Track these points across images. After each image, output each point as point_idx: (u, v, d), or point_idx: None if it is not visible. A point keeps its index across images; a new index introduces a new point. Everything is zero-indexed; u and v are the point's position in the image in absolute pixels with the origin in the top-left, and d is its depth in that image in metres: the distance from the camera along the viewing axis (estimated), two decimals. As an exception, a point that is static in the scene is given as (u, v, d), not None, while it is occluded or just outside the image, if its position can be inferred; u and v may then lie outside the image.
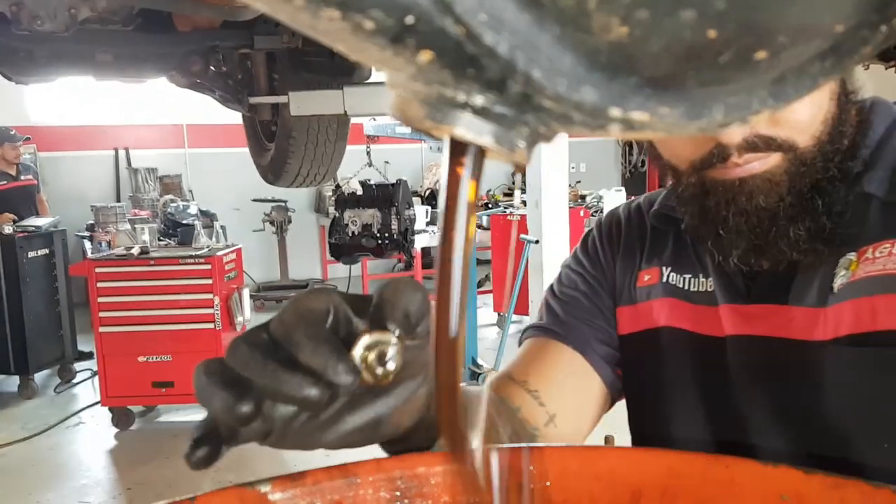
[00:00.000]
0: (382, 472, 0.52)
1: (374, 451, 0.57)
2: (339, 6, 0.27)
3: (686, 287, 0.91)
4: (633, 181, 9.39)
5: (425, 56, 0.29)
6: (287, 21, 0.30)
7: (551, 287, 1.05)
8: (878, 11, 0.31)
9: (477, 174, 0.35)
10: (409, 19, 0.27)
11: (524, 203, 6.56)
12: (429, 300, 0.48)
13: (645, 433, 0.96)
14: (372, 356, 0.46)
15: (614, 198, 7.45)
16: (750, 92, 0.33)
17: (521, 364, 0.98)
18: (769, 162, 0.75)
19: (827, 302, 0.78)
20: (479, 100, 0.31)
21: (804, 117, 0.74)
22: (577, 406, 0.95)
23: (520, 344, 1.03)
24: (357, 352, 0.46)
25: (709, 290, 0.89)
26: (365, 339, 0.46)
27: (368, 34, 0.28)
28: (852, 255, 0.78)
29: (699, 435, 0.89)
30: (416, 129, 0.34)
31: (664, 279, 0.93)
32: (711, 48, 0.28)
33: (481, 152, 0.34)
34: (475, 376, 5.06)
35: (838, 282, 0.78)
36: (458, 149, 0.35)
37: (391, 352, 0.46)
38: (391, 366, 0.46)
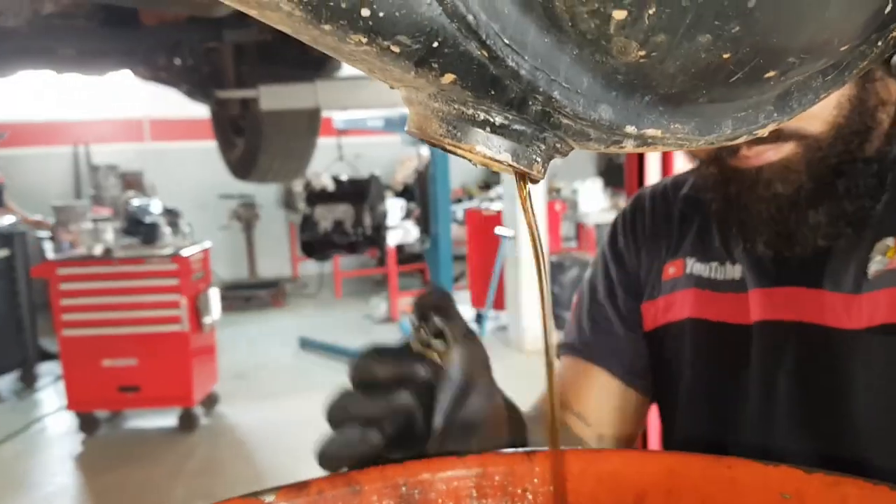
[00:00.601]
0: (386, 480, 0.53)
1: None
2: (366, 32, 0.27)
3: (712, 275, 0.89)
4: (608, 173, 9.42)
5: (448, 78, 0.29)
6: (309, 42, 0.31)
7: (582, 293, 1.04)
8: (877, 30, 0.32)
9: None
10: (435, 44, 0.28)
11: (500, 197, 6.56)
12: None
13: (674, 428, 0.95)
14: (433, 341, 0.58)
15: (590, 190, 7.45)
16: (757, 107, 0.34)
17: (561, 387, 0.99)
18: (784, 150, 0.74)
19: (861, 288, 0.76)
20: (498, 118, 0.31)
21: (815, 106, 0.71)
22: (620, 421, 0.97)
23: (557, 356, 1.04)
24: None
25: (736, 277, 0.87)
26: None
27: (394, 58, 0.29)
28: (890, 241, 0.76)
29: (721, 429, 0.87)
30: (434, 146, 0.34)
31: (688, 270, 0.92)
32: (724, 69, 0.29)
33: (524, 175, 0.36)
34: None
35: (873, 268, 0.76)
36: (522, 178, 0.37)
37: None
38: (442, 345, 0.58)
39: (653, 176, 2.76)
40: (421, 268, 8.20)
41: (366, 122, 5.75)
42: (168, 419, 4.64)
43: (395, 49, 0.28)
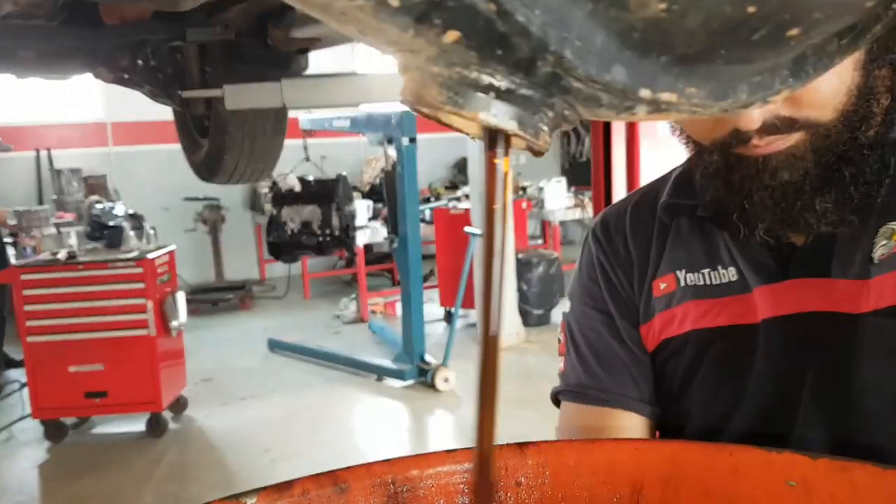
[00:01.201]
0: (374, 477, 0.50)
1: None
2: (363, -18, 0.25)
3: (707, 282, 0.88)
4: (573, 171, 9.47)
5: (451, 36, 0.27)
6: (294, 2, 0.28)
7: (570, 328, 0.99)
8: (902, -12, 0.30)
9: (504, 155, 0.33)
10: (439, -4, 0.26)
11: (467, 196, 6.54)
12: None
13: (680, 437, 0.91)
14: None
15: (555, 188, 7.48)
16: (773, 72, 0.32)
17: (581, 436, 0.91)
18: (792, 138, 0.73)
19: (870, 273, 0.77)
20: (504, 82, 0.29)
21: (827, 94, 0.72)
22: None
23: (553, 400, 0.99)
24: None
25: (732, 279, 0.86)
26: None
27: (391, 13, 0.26)
28: (894, 225, 0.77)
29: (733, 429, 0.85)
30: (431, 116, 0.32)
31: (682, 283, 0.90)
32: (748, 24, 0.27)
33: (507, 137, 0.32)
34: (422, 373, 5.03)
35: (878, 252, 0.76)
36: (493, 141, 0.33)
37: None
38: None
39: (619, 173, 2.76)
40: (390, 268, 8.16)
41: (332, 123, 5.68)
42: (136, 425, 4.56)
43: (394, 3, 0.26)
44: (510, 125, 0.30)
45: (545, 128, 0.31)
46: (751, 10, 0.27)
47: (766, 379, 0.83)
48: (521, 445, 0.51)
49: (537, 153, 0.32)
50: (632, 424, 0.91)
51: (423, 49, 0.29)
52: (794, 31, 0.29)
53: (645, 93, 0.29)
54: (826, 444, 0.78)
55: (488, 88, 0.29)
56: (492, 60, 0.28)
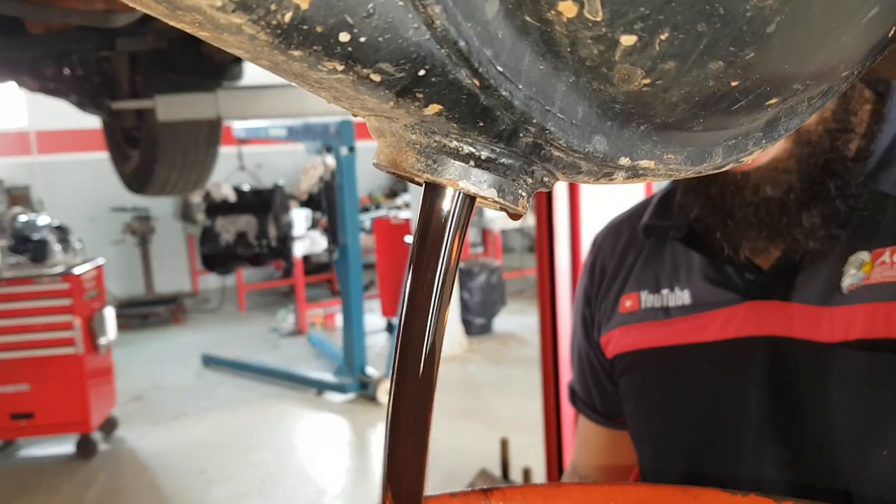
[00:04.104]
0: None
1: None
2: (343, 59, 0.24)
3: (663, 304, 0.89)
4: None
5: (433, 109, 0.26)
6: (268, 68, 0.27)
7: (572, 332, 1.06)
8: (873, 55, 0.31)
9: (464, 224, 0.32)
10: (421, 72, 0.25)
11: (407, 205, 6.51)
12: None
13: (643, 460, 0.95)
14: None
15: (491, 197, 7.52)
16: (747, 135, 0.32)
17: (586, 456, 1.05)
18: (773, 148, 0.72)
19: (833, 301, 0.75)
20: (484, 152, 0.28)
21: None
22: None
23: (571, 400, 1.07)
24: None
25: (686, 302, 0.87)
26: None
27: (372, 87, 0.25)
28: (865, 255, 0.75)
29: (683, 458, 0.87)
30: (407, 180, 0.31)
31: (643, 304, 0.91)
32: (729, 96, 0.27)
33: (471, 200, 0.31)
34: (364, 386, 4.98)
35: (848, 281, 0.75)
36: (438, 194, 0.31)
37: None
38: None
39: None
40: (329, 278, 8.07)
41: (267, 131, 5.59)
42: (65, 446, 4.38)
43: (376, 78, 0.25)
44: (490, 193, 0.29)
45: (524, 193, 0.30)
46: (733, 83, 0.27)
47: (724, 400, 0.83)
48: (486, 491, 0.50)
49: (515, 216, 0.32)
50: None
51: (402, 118, 0.28)
52: (773, 101, 0.29)
53: (624, 161, 0.29)
54: (784, 474, 0.79)
55: (468, 157, 0.29)
56: (473, 131, 0.27)
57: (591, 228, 2.29)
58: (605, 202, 2.33)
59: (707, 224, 0.82)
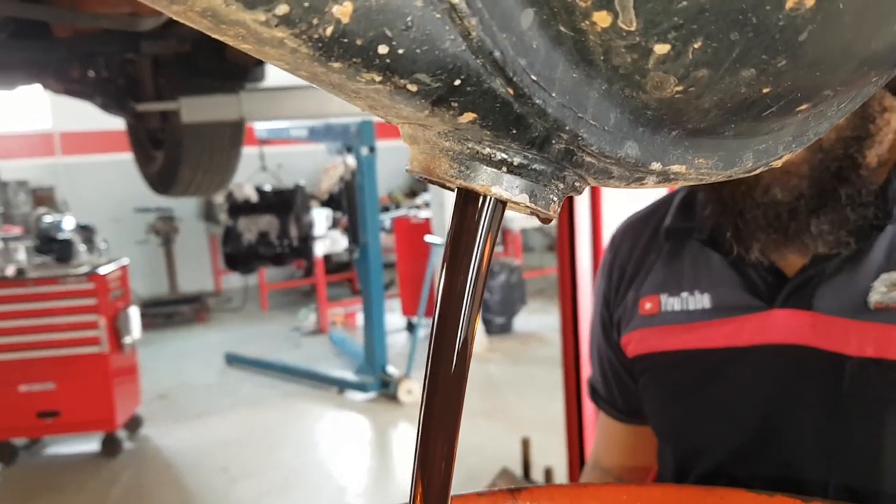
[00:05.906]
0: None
1: None
2: (381, 70, 0.24)
3: (683, 307, 0.89)
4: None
5: (468, 117, 0.27)
6: (306, 79, 0.27)
7: (591, 330, 1.06)
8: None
9: (496, 229, 0.32)
10: (457, 82, 0.25)
11: (427, 204, 6.52)
12: None
13: (666, 458, 0.94)
14: None
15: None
16: (777, 139, 0.32)
17: (607, 452, 1.05)
18: None
19: (859, 315, 0.74)
20: (517, 158, 0.29)
21: None
22: None
23: (592, 398, 1.08)
24: None
25: (707, 306, 0.86)
26: None
27: (408, 97, 0.26)
28: None
29: (714, 459, 0.85)
30: (441, 185, 0.31)
31: (663, 307, 0.91)
32: (761, 103, 0.28)
33: (502, 205, 0.32)
34: (385, 384, 5.00)
35: (875, 297, 0.74)
36: (470, 200, 0.32)
37: None
38: None
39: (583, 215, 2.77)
40: (350, 277, 8.10)
41: (289, 132, 5.63)
42: (90, 444, 4.44)
43: (413, 88, 0.25)
44: (522, 198, 0.30)
45: (555, 198, 0.31)
46: (765, 90, 0.27)
47: (750, 405, 0.83)
48: (514, 491, 0.51)
49: (546, 221, 0.32)
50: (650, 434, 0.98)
51: (437, 126, 0.29)
52: (804, 107, 0.29)
53: (656, 166, 0.30)
54: (823, 476, 0.78)
55: (501, 164, 0.29)
56: (506, 138, 0.28)
57: (613, 227, 2.29)
58: (628, 201, 2.33)
59: (719, 223, 0.83)
